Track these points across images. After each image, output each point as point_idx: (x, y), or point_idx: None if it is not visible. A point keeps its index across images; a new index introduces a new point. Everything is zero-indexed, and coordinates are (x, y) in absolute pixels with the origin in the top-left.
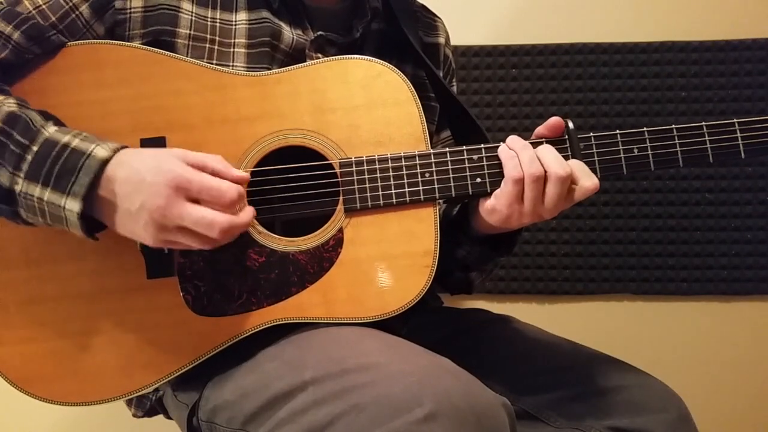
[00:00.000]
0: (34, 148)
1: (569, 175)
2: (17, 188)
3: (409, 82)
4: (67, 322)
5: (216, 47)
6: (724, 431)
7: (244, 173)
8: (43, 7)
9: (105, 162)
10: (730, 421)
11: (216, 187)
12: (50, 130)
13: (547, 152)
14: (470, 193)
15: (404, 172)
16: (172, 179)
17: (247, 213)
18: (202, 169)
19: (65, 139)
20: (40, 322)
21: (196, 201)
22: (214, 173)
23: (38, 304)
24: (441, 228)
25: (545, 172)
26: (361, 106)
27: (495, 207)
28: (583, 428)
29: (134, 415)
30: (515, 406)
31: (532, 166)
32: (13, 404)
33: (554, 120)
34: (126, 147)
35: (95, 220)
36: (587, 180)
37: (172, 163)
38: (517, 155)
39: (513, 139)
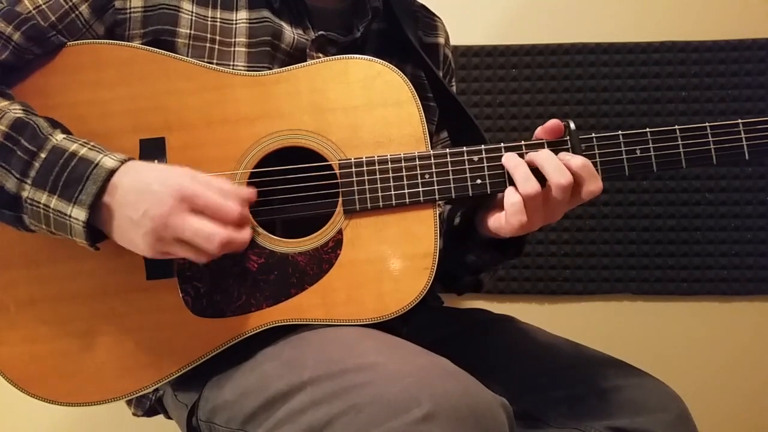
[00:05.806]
0: (42, 155)
1: (570, 183)
2: (24, 194)
3: (409, 82)
4: (67, 322)
5: (216, 47)
6: (724, 431)
7: (252, 189)
8: (43, 7)
9: (112, 172)
10: (730, 421)
11: (222, 203)
12: (58, 137)
13: (546, 160)
14: (470, 194)
15: (404, 173)
16: (178, 190)
17: (248, 231)
18: (207, 188)
19: (73, 147)
20: (40, 322)
21: (198, 215)
22: (221, 192)
23: (39, 305)
24: (447, 237)
25: (544, 185)
26: (361, 106)
27: (499, 231)
28: (583, 428)
29: (134, 414)
30: (515, 406)
31: (528, 185)
32: (14, 404)
33: (553, 123)
34: (133, 159)
35: (98, 230)
36: (592, 183)
37: (181, 176)
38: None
39: (508, 158)
